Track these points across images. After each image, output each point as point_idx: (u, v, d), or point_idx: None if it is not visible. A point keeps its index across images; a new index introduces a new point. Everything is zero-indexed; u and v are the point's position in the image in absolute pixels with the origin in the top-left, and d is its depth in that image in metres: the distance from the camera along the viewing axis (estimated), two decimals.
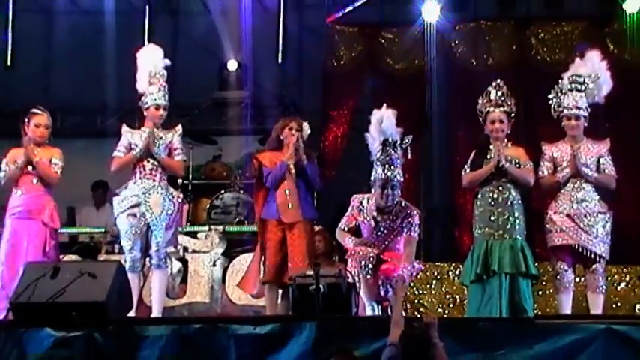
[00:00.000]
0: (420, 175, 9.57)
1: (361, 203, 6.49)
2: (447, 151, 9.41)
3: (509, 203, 6.51)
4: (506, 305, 6.28)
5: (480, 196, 6.60)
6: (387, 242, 6.43)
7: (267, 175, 6.85)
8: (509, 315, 6.20)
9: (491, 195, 6.53)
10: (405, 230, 6.39)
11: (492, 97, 6.62)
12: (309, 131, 6.97)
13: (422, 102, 9.80)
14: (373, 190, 6.44)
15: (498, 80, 6.72)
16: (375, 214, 6.41)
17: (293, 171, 6.80)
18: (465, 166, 6.69)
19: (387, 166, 6.35)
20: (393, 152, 6.38)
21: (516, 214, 6.51)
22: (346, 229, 6.51)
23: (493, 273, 6.37)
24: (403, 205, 6.46)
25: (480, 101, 6.67)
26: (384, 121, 6.41)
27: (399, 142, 6.42)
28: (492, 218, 6.49)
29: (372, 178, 6.42)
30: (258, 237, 6.99)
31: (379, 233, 6.43)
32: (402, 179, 6.40)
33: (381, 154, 6.38)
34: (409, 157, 6.52)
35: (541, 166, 6.71)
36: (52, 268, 5.72)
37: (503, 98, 6.62)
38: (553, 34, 9.60)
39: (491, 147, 6.58)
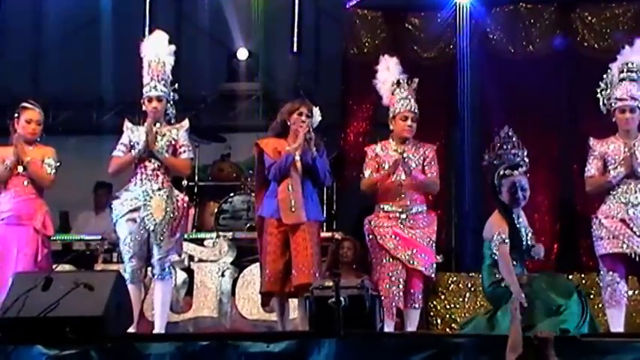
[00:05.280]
0: (449, 177, 9.49)
1: (375, 150, 6.98)
2: (481, 149, 9.36)
3: None
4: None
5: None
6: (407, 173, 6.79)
7: (270, 165, 6.59)
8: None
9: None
10: (427, 170, 6.89)
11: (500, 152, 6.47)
12: (319, 118, 6.73)
13: (453, 95, 9.76)
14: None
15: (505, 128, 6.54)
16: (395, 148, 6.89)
17: (299, 164, 6.55)
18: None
19: (404, 100, 6.91)
20: (407, 88, 6.98)
21: None
22: (373, 174, 6.95)
23: None
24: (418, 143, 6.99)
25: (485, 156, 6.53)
26: (390, 66, 7.07)
27: (408, 81, 7.02)
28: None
29: (391, 114, 6.92)
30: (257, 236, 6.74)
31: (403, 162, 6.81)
32: (418, 112, 6.93)
33: (397, 90, 6.95)
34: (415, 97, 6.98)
35: (589, 165, 6.68)
36: (44, 279, 5.72)
37: (518, 154, 6.43)
38: (602, 17, 9.53)
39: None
